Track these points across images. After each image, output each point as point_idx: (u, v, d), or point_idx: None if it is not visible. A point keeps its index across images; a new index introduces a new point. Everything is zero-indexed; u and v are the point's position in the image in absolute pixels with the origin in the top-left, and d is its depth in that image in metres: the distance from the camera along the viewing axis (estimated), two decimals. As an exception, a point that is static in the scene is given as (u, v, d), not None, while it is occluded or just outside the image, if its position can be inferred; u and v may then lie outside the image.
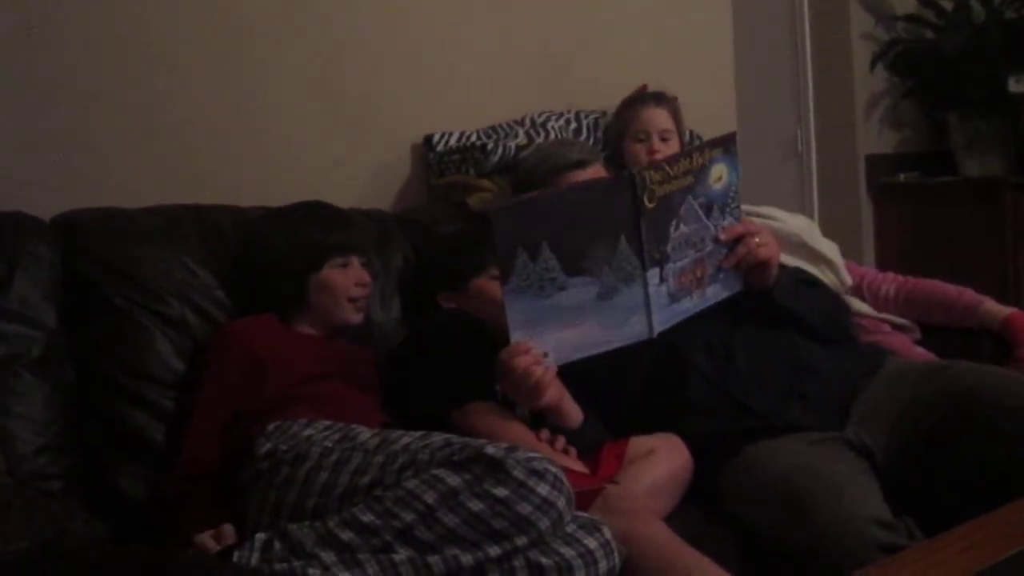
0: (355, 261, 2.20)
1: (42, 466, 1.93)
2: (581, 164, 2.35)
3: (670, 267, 1.92)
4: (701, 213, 1.95)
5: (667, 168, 1.88)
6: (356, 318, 2.20)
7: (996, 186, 4.10)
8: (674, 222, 1.91)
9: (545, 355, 1.83)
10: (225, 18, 2.53)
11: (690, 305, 1.98)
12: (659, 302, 1.91)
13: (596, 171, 2.35)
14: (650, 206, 1.86)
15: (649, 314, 1.90)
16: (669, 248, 1.90)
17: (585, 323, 1.84)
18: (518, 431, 1.92)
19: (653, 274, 1.89)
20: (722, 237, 1.99)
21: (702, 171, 1.93)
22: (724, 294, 2.04)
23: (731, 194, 1.99)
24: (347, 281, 2.17)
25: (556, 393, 1.90)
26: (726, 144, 1.97)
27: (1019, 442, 1.84)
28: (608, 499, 1.79)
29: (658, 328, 1.91)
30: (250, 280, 2.19)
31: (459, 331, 2.14)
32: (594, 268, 1.82)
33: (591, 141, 2.88)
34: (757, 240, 2.02)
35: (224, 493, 1.88)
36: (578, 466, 1.90)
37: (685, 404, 2.09)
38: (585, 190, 1.94)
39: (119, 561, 1.29)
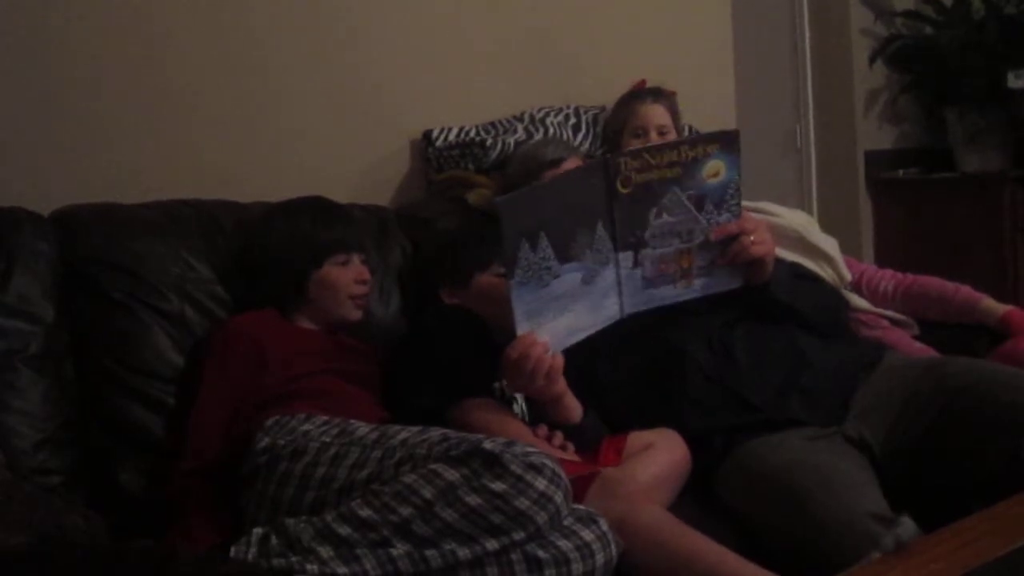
0: (355, 258, 2.20)
1: (41, 461, 1.93)
2: (555, 163, 2.39)
3: (647, 252, 1.94)
4: (690, 205, 1.96)
5: (647, 157, 1.90)
6: (356, 315, 2.20)
7: (995, 182, 4.10)
8: (654, 210, 1.93)
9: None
10: (227, 13, 2.53)
11: (672, 293, 2.00)
12: (632, 285, 1.94)
13: (573, 165, 2.37)
14: (624, 191, 1.88)
15: (620, 295, 1.92)
16: (647, 234, 1.93)
17: (574, 309, 1.87)
18: (516, 427, 1.92)
19: (625, 257, 1.92)
20: (712, 237, 2.00)
21: (693, 164, 1.94)
22: (716, 288, 2.05)
23: (729, 191, 1.99)
24: (347, 278, 2.17)
25: (563, 384, 1.90)
26: (725, 141, 1.97)
27: (1017, 438, 1.85)
28: (607, 483, 1.80)
29: (628, 310, 1.95)
30: (250, 276, 2.19)
31: (459, 327, 2.14)
32: (580, 254, 1.85)
33: (590, 136, 2.88)
34: (752, 238, 2.02)
35: (225, 486, 1.88)
36: (572, 456, 1.90)
37: (684, 399, 2.09)
38: (569, 177, 1.97)
39: (121, 556, 1.30)
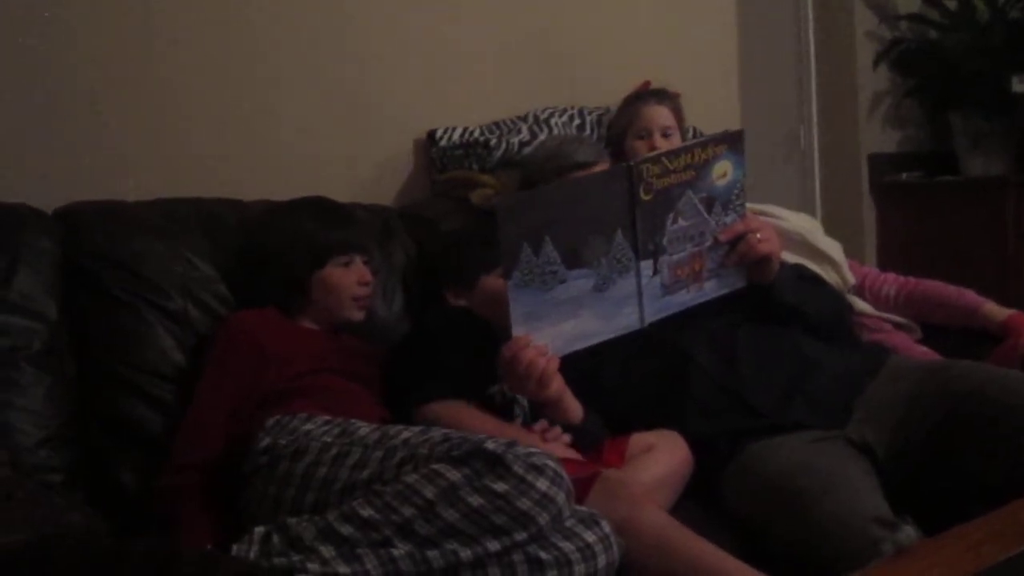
0: (358, 259, 2.20)
1: (43, 459, 1.93)
2: (586, 165, 2.36)
3: (665, 259, 1.93)
4: (701, 208, 1.95)
5: (666, 162, 1.89)
6: (358, 316, 2.20)
7: (998, 186, 4.10)
8: (671, 215, 1.92)
9: (545, 347, 1.83)
10: (231, 11, 2.53)
11: (687, 298, 1.99)
12: (652, 293, 1.92)
13: (602, 170, 2.35)
14: (646, 198, 1.87)
15: (641, 305, 1.91)
16: (665, 241, 1.92)
17: (581, 315, 1.85)
18: (498, 427, 1.92)
19: (646, 265, 1.90)
20: (721, 238, 1.99)
21: (704, 167, 1.93)
22: (724, 289, 2.05)
23: (735, 191, 1.99)
24: (350, 280, 2.17)
25: (559, 386, 1.90)
26: (732, 141, 1.97)
27: (1020, 442, 1.84)
28: (609, 484, 1.80)
29: (649, 319, 1.93)
30: (252, 276, 2.19)
31: (457, 328, 2.14)
32: (592, 260, 1.83)
33: (594, 137, 2.88)
34: (758, 236, 2.02)
35: (223, 484, 1.88)
36: (573, 455, 1.90)
37: (688, 402, 2.09)
38: (584, 183, 1.95)
39: (123, 556, 1.29)
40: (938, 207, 4.30)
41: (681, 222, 1.94)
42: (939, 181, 4.35)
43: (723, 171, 1.97)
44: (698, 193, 1.94)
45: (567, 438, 1.96)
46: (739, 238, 2.01)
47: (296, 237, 2.16)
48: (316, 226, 2.17)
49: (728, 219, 2.00)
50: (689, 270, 1.97)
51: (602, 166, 2.37)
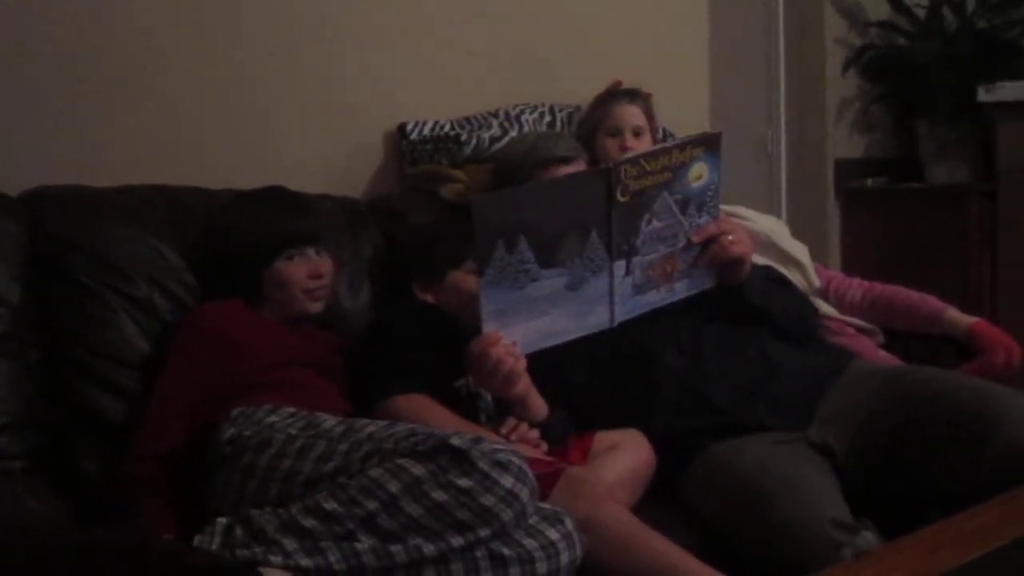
0: (309, 251, 2.15)
1: (3, 445, 1.90)
2: (566, 160, 2.35)
3: (638, 260, 1.94)
4: (676, 209, 1.96)
5: (644, 164, 1.90)
6: (314, 308, 2.16)
7: (963, 194, 4.14)
8: (646, 217, 1.93)
9: (514, 344, 1.84)
10: (204, 1, 2.51)
11: (657, 298, 2.00)
12: (623, 293, 1.94)
13: (579, 167, 2.35)
14: (622, 200, 1.88)
15: (612, 304, 1.93)
16: (638, 242, 1.93)
17: (552, 313, 1.86)
18: (459, 424, 1.92)
19: (619, 266, 1.92)
20: (694, 240, 2.00)
21: (681, 168, 1.95)
22: (694, 290, 2.06)
23: (710, 193, 2.00)
24: (299, 273, 2.12)
25: (525, 384, 1.90)
26: (709, 143, 1.98)
27: (979, 448, 1.86)
28: (572, 482, 1.80)
29: (619, 318, 1.95)
30: (212, 268, 2.17)
31: (422, 324, 2.13)
32: (566, 259, 1.84)
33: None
34: (730, 238, 2.03)
35: (186, 475, 1.87)
36: (538, 453, 1.90)
37: (653, 401, 2.10)
38: (563, 183, 1.96)
39: (94, 546, 1.28)
40: (902, 213, 4.33)
41: (656, 223, 1.95)
42: (904, 187, 4.38)
43: (699, 173, 1.98)
44: (674, 195, 1.95)
45: (535, 434, 1.96)
46: (712, 239, 2.02)
47: (246, 232, 2.12)
48: (266, 219, 2.13)
49: (702, 220, 2.01)
50: (661, 271, 1.99)
51: (579, 162, 2.38)
